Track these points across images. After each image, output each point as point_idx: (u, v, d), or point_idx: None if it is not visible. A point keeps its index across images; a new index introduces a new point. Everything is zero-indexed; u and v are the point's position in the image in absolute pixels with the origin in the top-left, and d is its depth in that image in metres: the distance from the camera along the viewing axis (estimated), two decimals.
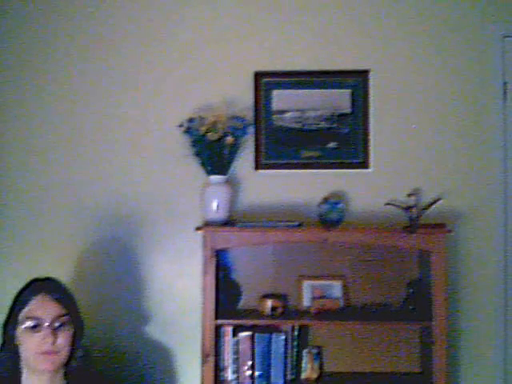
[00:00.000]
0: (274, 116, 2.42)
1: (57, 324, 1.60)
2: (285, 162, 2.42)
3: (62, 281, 1.74)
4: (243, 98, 2.42)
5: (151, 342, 2.39)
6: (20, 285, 1.68)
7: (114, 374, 2.30)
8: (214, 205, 2.23)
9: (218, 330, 2.18)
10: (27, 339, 1.59)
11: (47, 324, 1.59)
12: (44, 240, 2.43)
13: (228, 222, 2.25)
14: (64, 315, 1.62)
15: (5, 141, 2.47)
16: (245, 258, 2.37)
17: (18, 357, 1.62)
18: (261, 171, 2.42)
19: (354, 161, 2.40)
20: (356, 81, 2.41)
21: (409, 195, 2.27)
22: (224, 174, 2.28)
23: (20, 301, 1.63)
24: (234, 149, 2.28)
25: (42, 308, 1.60)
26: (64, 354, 1.62)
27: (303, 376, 2.25)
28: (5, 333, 1.64)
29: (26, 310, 1.61)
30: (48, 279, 1.71)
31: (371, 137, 2.40)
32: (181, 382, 2.38)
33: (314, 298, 2.28)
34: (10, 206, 2.45)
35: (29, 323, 1.59)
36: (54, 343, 1.58)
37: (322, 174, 2.41)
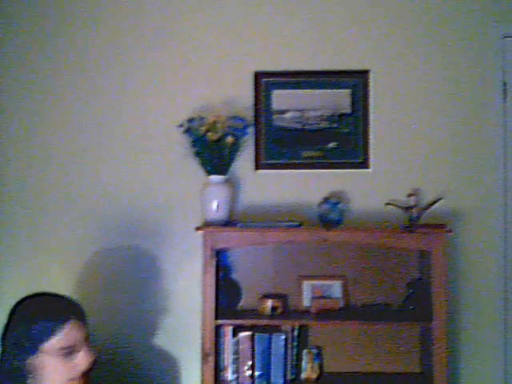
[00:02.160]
0: (274, 116, 2.42)
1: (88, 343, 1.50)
2: (285, 162, 2.42)
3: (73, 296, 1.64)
4: (243, 98, 2.42)
5: (151, 341, 2.39)
6: (22, 294, 1.55)
7: (113, 376, 2.30)
8: (214, 205, 2.23)
9: (218, 330, 2.18)
10: (59, 368, 1.45)
11: (82, 343, 1.48)
12: (42, 244, 2.44)
13: (228, 222, 2.25)
14: (88, 336, 1.53)
15: (4, 143, 2.47)
16: (245, 258, 2.37)
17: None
18: (261, 171, 2.42)
19: (354, 161, 2.40)
20: (356, 81, 2.41)
21: (409, 195, 2.27)
22: (224, 174, 2.28)
23: (42, 330, 1.45)
24: (234, 149, 2.28)
25: (76, 334, 1.48)
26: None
27: (303, 376, 2.25)
28: (5, 361, 1.46)
29: (55, 339, 1.44)
30: (60, 297, 1.57)
31: (371, 137, 2.40)
32: (181, 382, 2.38)
33: (313, 298, 2.28)
34: (11, 212, 2.45)
35: (64, 353, 1.45)
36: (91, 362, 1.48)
37: (322, 174, 2.41)
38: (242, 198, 2.42)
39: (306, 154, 2.41)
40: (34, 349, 1.44)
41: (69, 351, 1.46)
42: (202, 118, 2.27)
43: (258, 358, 2.22)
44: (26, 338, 1.45)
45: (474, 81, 2.40)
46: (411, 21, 2.43)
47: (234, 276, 2.36)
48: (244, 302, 2.34)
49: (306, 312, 2.27)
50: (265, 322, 2.21)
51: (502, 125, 2.38)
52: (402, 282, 2.31)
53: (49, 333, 1.45)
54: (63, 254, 2.42)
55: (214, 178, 2.26)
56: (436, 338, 2.09)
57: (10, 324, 1.50)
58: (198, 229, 2.19)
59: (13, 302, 1.57)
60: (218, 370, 2.21)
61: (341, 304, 2.28)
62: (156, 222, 2.42)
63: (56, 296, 1.58)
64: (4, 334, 1.49)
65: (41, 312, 1.49)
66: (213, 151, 2.24)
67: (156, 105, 2.45)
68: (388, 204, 2.29)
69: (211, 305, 2.12)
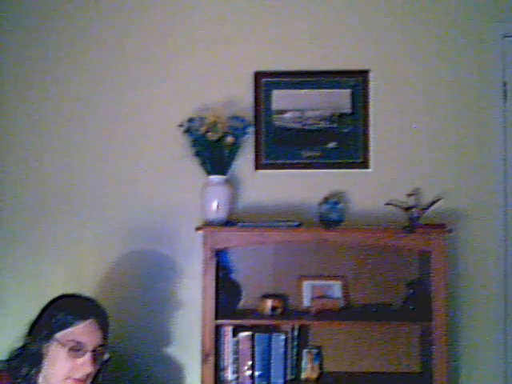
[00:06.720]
0: (274, 116, 2.42)
1: (96, 353, 1.55)
2: (285, 161, 2.42)
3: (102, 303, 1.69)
4: (243, 98, 2.42)
5: (150, 342, 2.39)
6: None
7: (113, 376, 2.30)
8: (214, 205, 2.23)
9: (218, 330, 2.18)
10: (63, 361, 1.52)
11: (90, 351, 1.53)
12: (41, 245, 2.43)
13: (228, 222, 2.25)
14: (103, 345, 1.58)
15: (4, 142, 2.47)
16: (245, 258, 2.37)
17: (38, 368, 1.55)
18: (261, 171, 2.42)
19: (354, 161, 2.40)
20: (356, 81, 2.41)
21: (409, 195, 2.27)
22: (224, 174, 2.28)
23: (61, 320, 1.55)
24: (234, 149, 2.28)
25: (89, 335, 1.55)
26: (89, 381, 1.57)
27: (303, 376, 2.25)
28: (28, 342, 1.56)
29: (69, 331, 1.53)
30: (88, 299, 1.66)
31: (371, 137, 2.40)
32: (181, 382, 2.38)
33: (313, 298, 2.28)
34: (11, 215, 2.45)
35: (72, 345, 1.52)
36: (90, 372, 1.53)
37: (322, 174, 2.41)
38: (242, 198, 2.42)
39: (305, 153, 2.41)
40: (49, 336, 1.53)
41: (76, 348, 1.53)
42: (202, 118, 2.26)
43: (258, 358, 2.22)
44: (46, 325, 1.55)
45: (474, 81, 2.40)
46: (411, 21, 2.43)
47: (234, 276, 2.36)
48: (244, 302, 2.34)
49: (306, 312, 2.27)
50: (265, 322, 2.21)
51: (502, 125, 2.38)
52: (402, 282, 2.31)
53: (66, 325, 1.54)
54: (63, 256, 2.42)
55: (214, 178, 2.26)
56: (436, 337, 2.09)
57: (40, 315, 1.60)
58: (198, 229, 2.19)
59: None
60: (218, 369, 2.21)
61: (341, 304, 2.28)
62: (156, 222, 2.42)
63: (88, 299, 1.68)
64: (32, 323, 1.59)
65: (67, 306, 1.60)
66: (213, 151, 2.24)
67: (156, 105, 2.45)
68: (388, 204, 2.29)
69: (211, 305, 2.12)
